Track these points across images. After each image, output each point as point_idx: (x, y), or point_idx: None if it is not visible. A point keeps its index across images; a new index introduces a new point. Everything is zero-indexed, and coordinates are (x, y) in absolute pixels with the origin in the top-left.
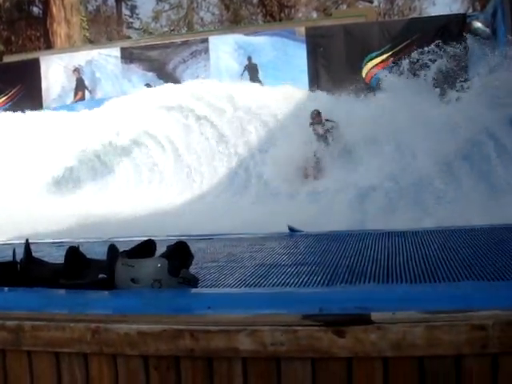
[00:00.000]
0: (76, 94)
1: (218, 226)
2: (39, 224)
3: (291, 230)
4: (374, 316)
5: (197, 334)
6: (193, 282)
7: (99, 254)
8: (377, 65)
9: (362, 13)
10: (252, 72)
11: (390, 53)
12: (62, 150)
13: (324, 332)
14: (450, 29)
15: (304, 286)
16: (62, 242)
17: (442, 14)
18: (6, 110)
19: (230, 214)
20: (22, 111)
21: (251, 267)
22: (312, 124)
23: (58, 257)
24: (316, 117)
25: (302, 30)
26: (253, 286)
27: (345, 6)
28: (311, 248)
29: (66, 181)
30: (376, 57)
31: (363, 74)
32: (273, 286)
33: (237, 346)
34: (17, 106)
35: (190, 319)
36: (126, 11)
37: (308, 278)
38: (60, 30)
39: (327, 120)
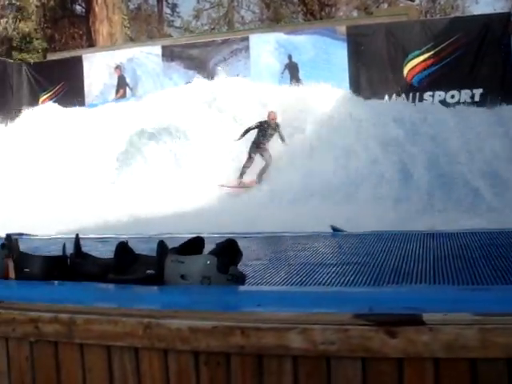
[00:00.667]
0: (117, 91)
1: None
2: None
3: (334, 229)
4: (426, 317)
5: (247, 331)
6: (241, 279)
7: (144, 250)
8: (418, 64)
9: (403, 11)
10: (292, 71)
11: (432, 52)
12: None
13: (375, 332)
14: (494, 28)
15: (350, 285)
16: (106, 238)
17: (485, 12)
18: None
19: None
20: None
21: (296, 266)
22: (265, 124)
23: (103, 252)
24: (272, 118)
25: (343, 28)
26: (299, 284)
27: (386, 5)
28: (355, 248)
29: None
30: (418, 56)
31: (404, 74)
32: (319, 285)
33: (287, 344)
34: (60, 102)
35: (240, 316)
36: (166, 9)
37: (354, 278)
38: (102, 28)
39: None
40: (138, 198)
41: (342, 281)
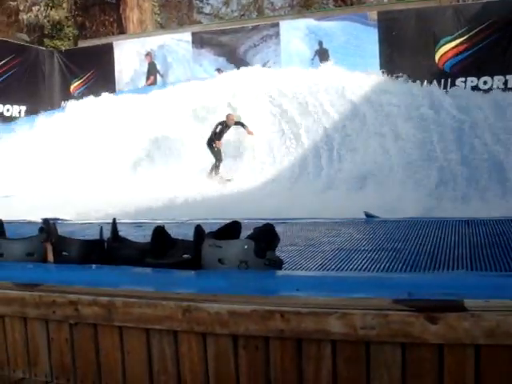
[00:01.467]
0: (148, 78)
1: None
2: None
3: (367, 215)
4: (467, 303)
5: (287, 316)
6: (278, 264)
7: (178, 234)
8: (450, 50)
9: None
10: (323, 57)
11: (464, 37)
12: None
13: (416, 317)
14: None
15: (387, 271)
16: (140, 223)
17: None
18: (80, 93)
19: (301, 199)
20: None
21: (331, 251)
22: (222, 125)
23: (137, 236)
24: (230, 120)
25: (374, 14)
26: (335, 269)
27: None
28: (389, 234)
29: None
30: (450, 41)
31: (436, 59)
32: (355, 270)
33: (327, 329)
34: (91, 89)
35: (280, 300)
36: None
37: (390, 264)
38: (132, 16)
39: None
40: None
41: (378, 267)
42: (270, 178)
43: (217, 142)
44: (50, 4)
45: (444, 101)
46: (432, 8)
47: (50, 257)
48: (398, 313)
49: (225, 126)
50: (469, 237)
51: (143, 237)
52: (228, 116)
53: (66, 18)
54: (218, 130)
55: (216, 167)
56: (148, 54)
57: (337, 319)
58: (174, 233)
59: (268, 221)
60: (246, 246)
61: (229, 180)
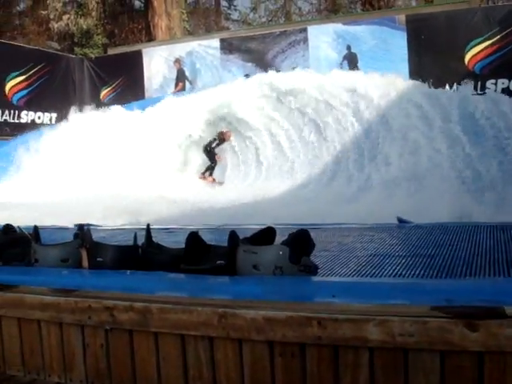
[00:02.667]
0: (177, 84)
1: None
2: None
3: (400, 220)
4: (509, 310)
5: (324, 322)
6: (313, 270)
7: (210, 240)
8: (480, 51)
9: None
10: (351, 61)
11: (494, 39)
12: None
13: (455, 324)
14: None
15: (423, 277)
16: (172, 228)
17: None
18: (110, 100)
19: (328, 203)
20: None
21: (365, 257)
22: (221, 136)
23: (170, 242)
24: (223, 136)
25: (403, 17)
26: (369, 275)
27: None
28: (423, 240)
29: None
30: (479, 43)
31: (466, 62)
32: (390, 276)
33: (365, 336)
34: (120, 96)
35: (316, 307)
36: (224, 3)
37: (425, 270)
38: (161, 23)
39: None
40: None
41: (413, 273)
42: None
43: (214, 151)
44: (80, 13)
45: None
46: (461, 10)
47: (85, 262)
48: (437, 320)
49: (221, 139)
50: (503, 242)
51: (173, 242)
52: (226, 133)
53: (96, 26)
54: (214, 141)
55: (210, 169)
56: (177, 61)
57: (374, 326)
58: (207, 238)
59: (299, 226)
60: (280, 252)
61: (221, 183)
